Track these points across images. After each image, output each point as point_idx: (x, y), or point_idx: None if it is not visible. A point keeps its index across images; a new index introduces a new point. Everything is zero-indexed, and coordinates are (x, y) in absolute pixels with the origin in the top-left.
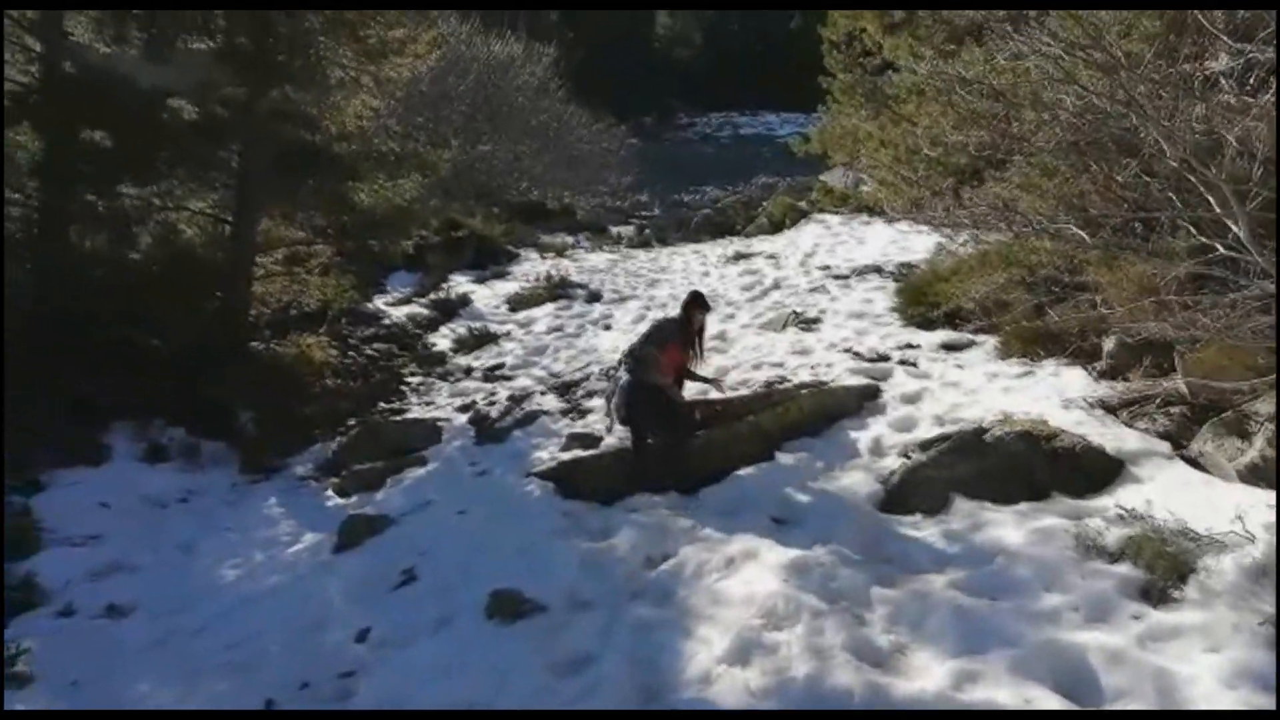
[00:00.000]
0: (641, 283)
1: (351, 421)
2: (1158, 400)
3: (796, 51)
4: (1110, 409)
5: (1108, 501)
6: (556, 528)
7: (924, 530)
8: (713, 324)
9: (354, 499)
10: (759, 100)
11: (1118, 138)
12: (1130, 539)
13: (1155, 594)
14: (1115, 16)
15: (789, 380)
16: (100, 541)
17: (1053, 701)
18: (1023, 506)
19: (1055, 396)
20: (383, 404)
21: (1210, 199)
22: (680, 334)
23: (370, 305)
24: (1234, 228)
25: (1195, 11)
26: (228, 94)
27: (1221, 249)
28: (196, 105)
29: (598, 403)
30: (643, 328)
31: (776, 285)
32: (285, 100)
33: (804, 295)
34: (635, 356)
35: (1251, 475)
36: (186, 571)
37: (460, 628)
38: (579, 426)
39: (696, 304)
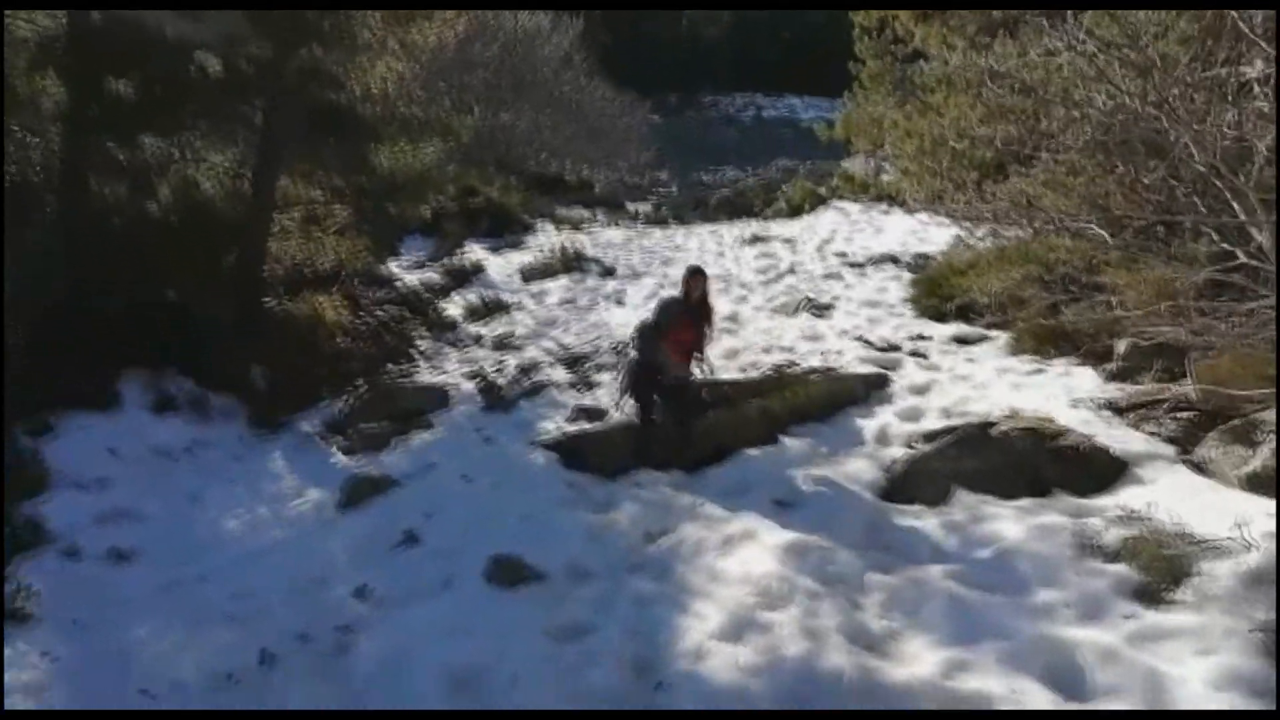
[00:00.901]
0: (656, 260)
1: (360, 382)
2: (1166, 404)
3: (825, 36)
4: (1118, 410)
5: (1109, 502)
6: (560, 498)
7: (924, 521)
8: (725, 306)
9: (360, 459)
10: (784, 83)
11: (1146, 139)
12: (1129, 540)
13: (1150, 595)
14: (1151, 17)
15: (798, 365)
16: (107, 487)
17: (1042, 695)
18: (1024, 502)
19: (1064, 395)
20: (392, 366)
21: (1236, 206)
22: (683, 309)
23: (384, 268)
24: (1257, 236)
25: (1233, 14)
26: (255, 51)
27: (1243, 256)
28: (223, 60)
29: (606, 377)
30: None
31: (791, 270)
32: (312, 59)
33: (818, 281)
34: (642, 335)
35: (1255, 484)
36: (192, 521)
37: (461, 590)
38: (587, 399)
39: (691, 275)
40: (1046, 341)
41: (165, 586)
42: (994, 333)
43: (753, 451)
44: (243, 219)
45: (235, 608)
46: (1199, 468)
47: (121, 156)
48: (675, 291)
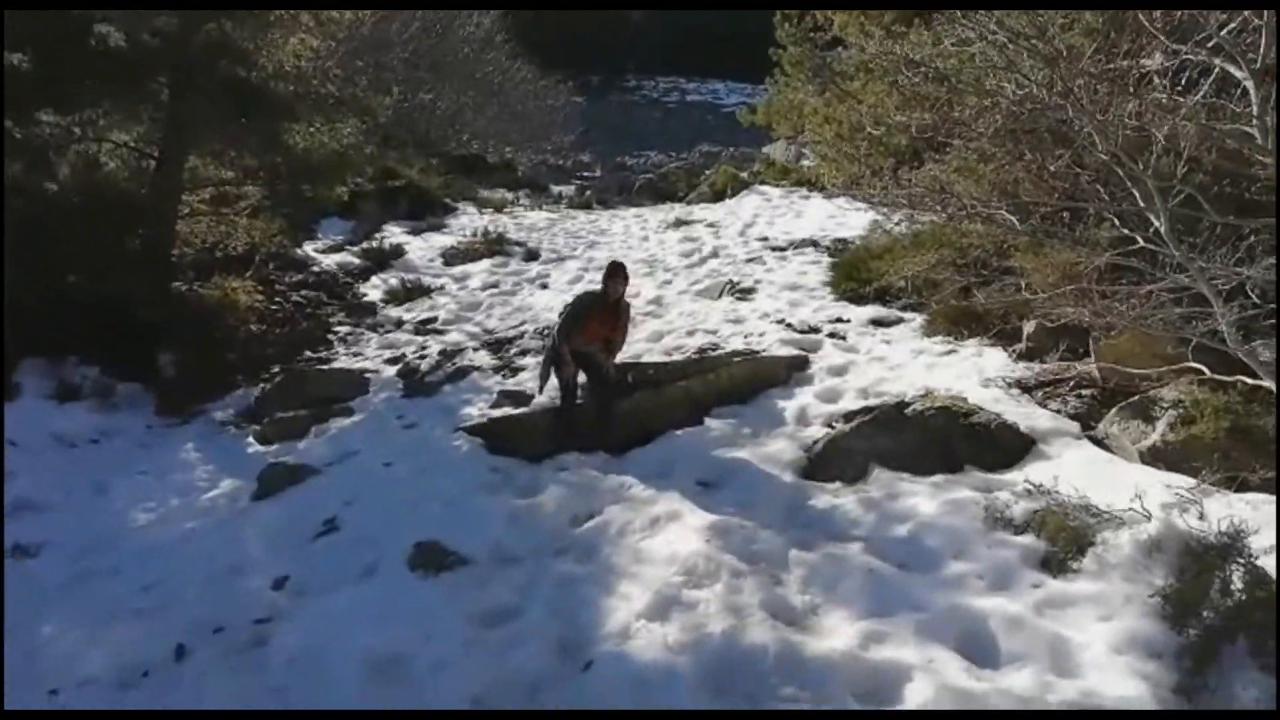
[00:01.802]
0: (581, 243)
1: (276, 369)
2: (1071, 383)
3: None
4: (1026, 389)
5: (1017, 476)
6: (484, 483)
7: (843, 498)
8: (649, 289)
9: (276, 447)
10: (707, 68)
11: (1053, 128)
12: (1035, 512)
13: (1055, 565)
14: (1060, 10)
15: (722, 348)
16: (7, 479)
17: (955, 663)
18: (938, 478)
19: (975, 375)
20: (309, 352)
21: (1135, 193)
22: (598, 308)
23: (300, 251)
24: (1155, 222)
25: (1136, 11)
26: (160, 23)
27: (1141, 241)
28: (126, 33)
29: (530, 361)
30: (580, 289)
31: (715, 254)
32: (220, 33)
33: (741, 265)
34: (561, 322)
35: (1152, 457)
36: (98, 513)
37: (383, 578)
38: (511, 384)
39: (614, 275)
40: (959, 323)
41: (72, 581)
42: (909, 315)
43: (677, 433)
44: (149, 200)
45: (146, 601)
46: (1100, 443)
47: (18, 133)
48: (595, 286)
